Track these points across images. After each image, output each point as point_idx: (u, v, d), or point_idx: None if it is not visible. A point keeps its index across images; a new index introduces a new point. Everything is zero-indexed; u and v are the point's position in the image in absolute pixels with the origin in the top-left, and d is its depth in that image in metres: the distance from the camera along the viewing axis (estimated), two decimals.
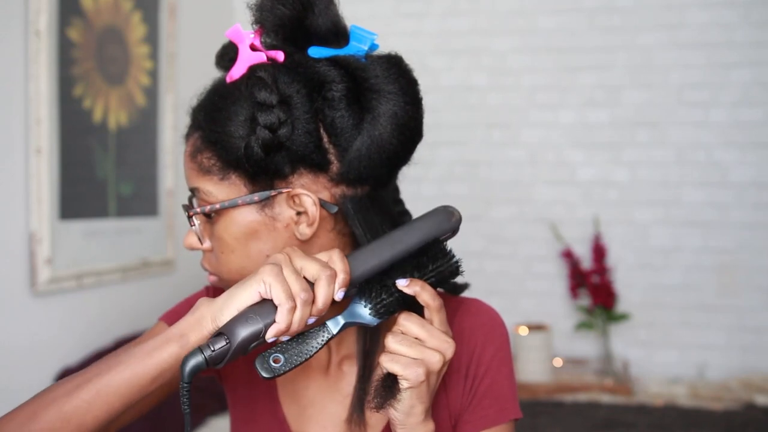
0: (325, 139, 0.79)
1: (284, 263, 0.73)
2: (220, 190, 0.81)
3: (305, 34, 0.82)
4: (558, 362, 2.97)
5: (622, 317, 2.97)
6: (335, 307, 0.77)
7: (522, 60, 3.12)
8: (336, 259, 0.75)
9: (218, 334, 0.71)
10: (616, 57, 3.04)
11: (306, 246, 0.82)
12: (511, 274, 3.14)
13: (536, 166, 3.12)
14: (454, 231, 0.82)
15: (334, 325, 0.77)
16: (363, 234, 0.81)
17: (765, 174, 2.93)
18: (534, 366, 2.81)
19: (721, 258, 2.97)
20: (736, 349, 2.95)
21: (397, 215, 0.95)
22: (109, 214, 2.30)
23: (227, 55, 0.85)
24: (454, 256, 0.81)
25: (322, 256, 0.76)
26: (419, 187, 3.16)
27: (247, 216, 0.81)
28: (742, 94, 2.94)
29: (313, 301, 0.73)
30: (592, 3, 3.05)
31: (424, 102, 0.87)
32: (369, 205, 0.83)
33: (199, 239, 0.85)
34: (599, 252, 2.98)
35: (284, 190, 0.80)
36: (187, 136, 0.85)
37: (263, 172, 0.79)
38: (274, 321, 0.71)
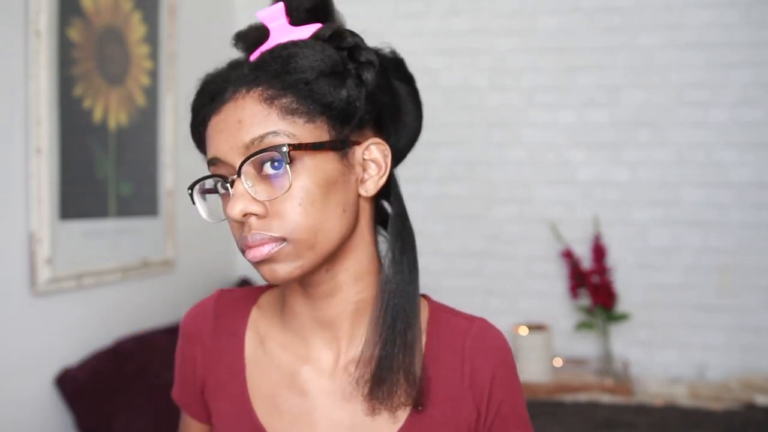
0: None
1: None
2: (305, 132, 0.77)
3: (326, 12, 0.85)
4: (558, 362, 2.97)
5: (622, 317, 2.96)
6: None
7: (522, 60, 3.12)
8: None
9: None
10: (616, 57, 3.04)
11: (353, 233, 0.83)
12: (511, 274, 3.13)
13: (536, 166, 3.12)
14: None
15: None
16: (395, 210, 0.87)
17: (765, 174, 2.93)
18: (534, 366, 2.81)
19: (721, 258, 2.97)
20: (736, 349, 2.94)
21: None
22: (109, 214, 2.30)
23: (251, 35, 0.83)
24: None
25: None
26: (419, 187, 3.16)
27: (329, 163, 0.79)
28: (742, 94, 2.94)
29: None
30: (592, 3, 3.05)
31: (424, 102, 0.90)
32: (395, 183, 0.88)
33: (253, 198, 0.77)
34: (599, 252, 2.98)
35: (363, 142, 0.83)
36: (235, 93, 0.78)
37: (350, 121, 0.80)
38: None
